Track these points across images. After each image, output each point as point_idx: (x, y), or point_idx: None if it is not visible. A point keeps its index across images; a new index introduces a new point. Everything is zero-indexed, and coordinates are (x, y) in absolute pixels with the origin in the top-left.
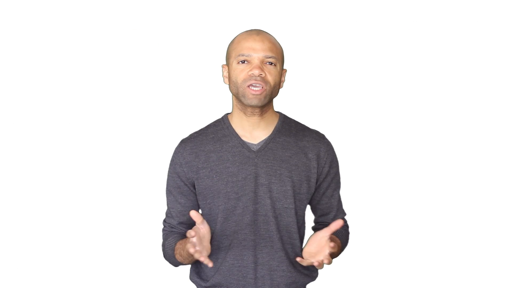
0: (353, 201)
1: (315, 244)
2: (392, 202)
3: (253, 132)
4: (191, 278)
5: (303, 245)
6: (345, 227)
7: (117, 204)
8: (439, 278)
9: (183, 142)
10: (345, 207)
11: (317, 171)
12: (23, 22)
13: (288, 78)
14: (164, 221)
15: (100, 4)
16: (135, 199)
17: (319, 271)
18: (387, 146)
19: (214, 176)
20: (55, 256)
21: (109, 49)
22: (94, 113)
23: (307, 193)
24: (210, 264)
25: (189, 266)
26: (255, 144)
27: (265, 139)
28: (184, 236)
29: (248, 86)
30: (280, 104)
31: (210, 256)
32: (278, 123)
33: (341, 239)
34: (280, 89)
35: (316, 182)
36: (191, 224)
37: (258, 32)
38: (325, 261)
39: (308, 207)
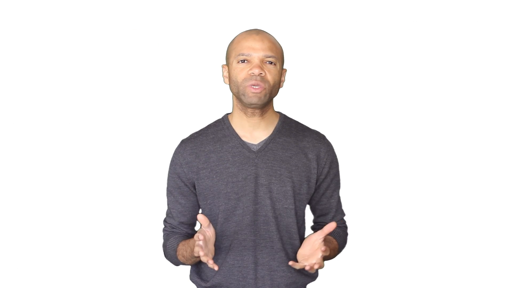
0: (353, 201)
1: (308, 247)
2: (391, 202)
3: (253, 132)
4: (191, 278)
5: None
6: (344, 227)
7: (117, 204)
8: (439, 278)
9: (183, 142)
10: (344, 207)
11: (317, 172)
12: (23, 22)
13: (288, 78)
14: (165, 221)
15: (100, 4)
16: (135, 199)
17: (319, 271)
18: (387, 146)
19: (214, 176)
20: (55, 256)
21: (109, 50)
22: (95, 113)
23: (307, 193)
24: (216, 268)
25: (189, 266)
26: (255, 145)
27: (265, 140)
28: (185, 237)
29: (249, 86)
30: (280, 104)
31: None
32: (278, 123)
33: (338, 240)
34: (280, 89)
35: (316, 183)
36: (191, 224)
37: (258, 32)
38: (316, 266)
39: (308, 206)
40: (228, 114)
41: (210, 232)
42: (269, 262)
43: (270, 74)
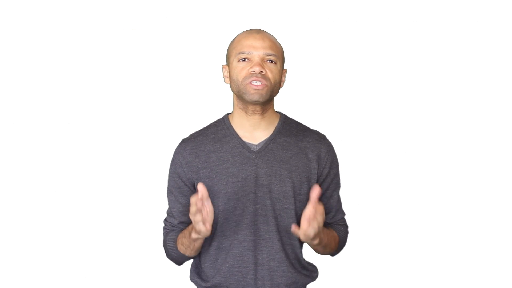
0: (353, 201)
1: (305, 221)
2: (392, 202)
3: (254, 132)
4: (191, 278)
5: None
6: (344, 226)
7: (117, 204)
8: (439, 278)
9: (184, 142)
10: (345, 207)
11: (318, 172)
12: (23, 22)
13: (288, 78)
14: (165, 220)
15: (100, 4)
16: (136, 199)
17: (320, 271)
18: (387, 146)
19: (214, 176)
20: (55, 257)
21: (109, 50)
22: (95, 113)
23: (307, 193)
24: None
25: (190, 266)
26: (256, 145)
27: (265, 140)
28: None
29: (249, 83)
30: (280, 104)
31: (210, 256)
32: (278, 123)
33: (338, 233)
34: (280, 89)
35: (316, 183)
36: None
37: (259, 31)
38: (310, 230)
39: None
40: (228, 114)
41: (208, 206)
42: (269, 262)
43: (271, 73)
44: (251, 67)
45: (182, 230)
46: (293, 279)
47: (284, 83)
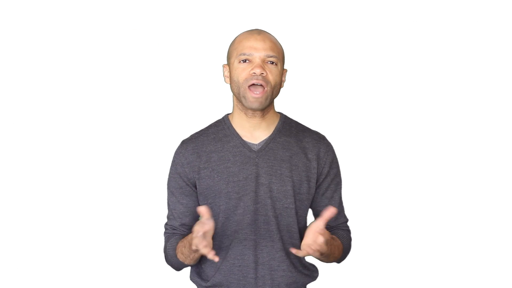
0: (353, 201)
1: (310, 235)
2: (392, 203)
3: (254, 132)
4: (191, 278)
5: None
6: (347, 231)
7: (118, 205)
8: (439, 279)
9: (184, 142)
10: (345, 207)
11: (317, 172)
12: (23, 23)
13: (288, 78)
14: (166, 224)
15: (100, 4)
16: (136, 200)
17: (320, 271)
18: (388, 147)
19: (215, 176)
20: (55, 258)
21: (109, 50)
22: (95, 113)
23: (307, 193)
24: (217, 259)
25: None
26: (256, 144)
27: (265, 139)
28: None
29: (249, 87)
30: (281, 104)
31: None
32: (278, 123)
33: (342, 240)
34: (281, 89)
35: (316, 183)
36: (192, 226)
37: (259, 32)
38: (314, 246)
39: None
40: (228, 114)
41: (209, 225)
42: (269, 261)
43: (271, 74)
44: (252, 69)
45: (183, 234)
46: (294, 278)
47: (284, 83)
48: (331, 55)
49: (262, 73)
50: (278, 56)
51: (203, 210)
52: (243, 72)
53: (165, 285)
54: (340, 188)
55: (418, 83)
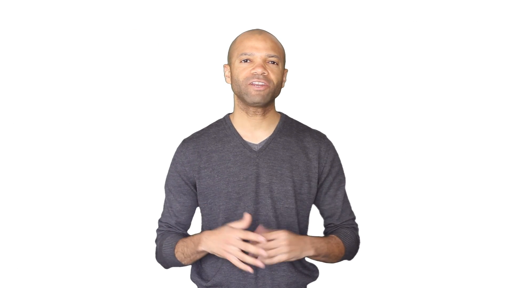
0: (353, 201)
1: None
2: (393, 202)
3: (255, 132)
4: (192, 278)
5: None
6: (352, 229)
7: (118, 203)
8: (439, 279)
9: (185, 142)
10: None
11: (318, 171)
12: (23, 23)
13: (289, 78)
14: (160, 221)
15: (100, 4)
16: (136, 199)
17: (320, 271)
18: (388, 146)
19: (216, 176)
20: (55, 257)
21: (110, 50)
22: (96, 113)
23: (308, 193)
24: (251, 270)
25: (190, 265)
26: (256, 144)
27: (266, 139)
28: (183, 236)
29: (251, 84)
30: (281, 104)
31: (210, 255)
32: (279, 123)
33: (343, 238)
34: (281, 89)
35: (318, 182)
36: (187, 225)
37: (261, 32)
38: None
39: (317, 211)
40: (229, 114)
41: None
42: None
43: (273, 74)
44: (253, 69)
45: (178, 232)
46: (294, 278)
47: (285, 83)
48: (331, 55)
49: (264, 73)
50: (279, 56)
51: (248, 218)
52: (244, 71)
53: (165, 285)
54: (344, 185)
55: (418, 82)
